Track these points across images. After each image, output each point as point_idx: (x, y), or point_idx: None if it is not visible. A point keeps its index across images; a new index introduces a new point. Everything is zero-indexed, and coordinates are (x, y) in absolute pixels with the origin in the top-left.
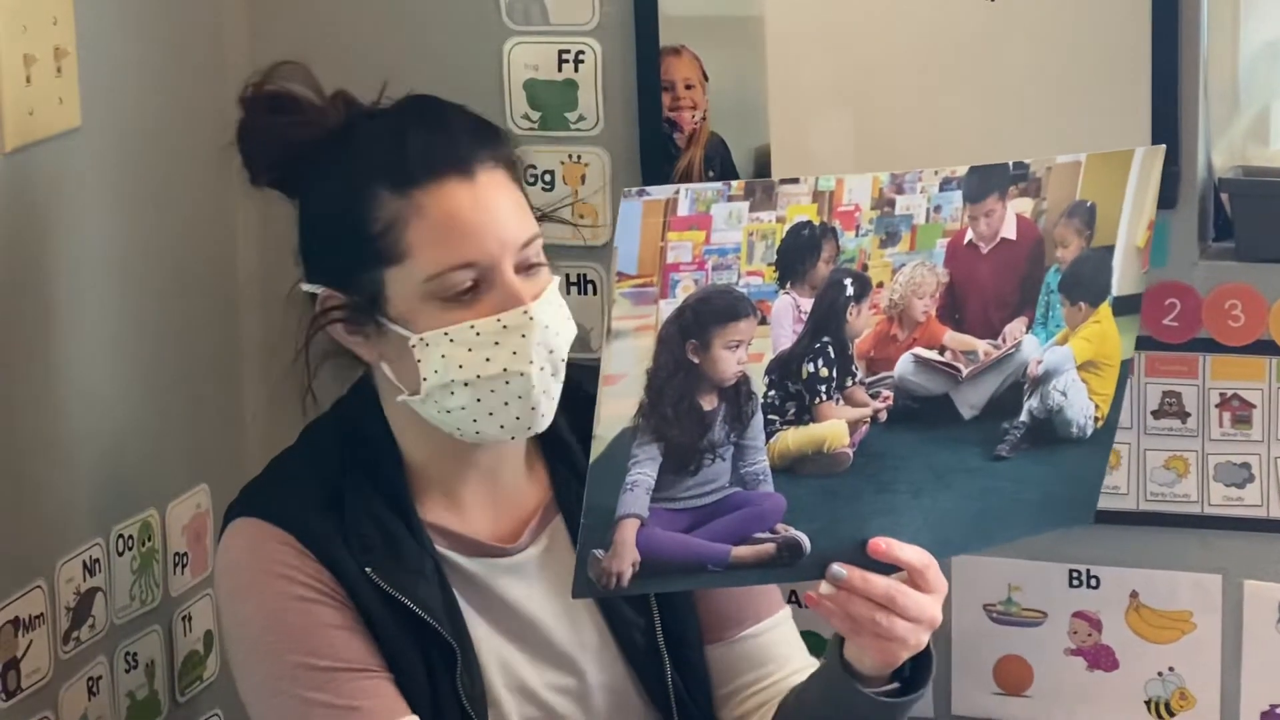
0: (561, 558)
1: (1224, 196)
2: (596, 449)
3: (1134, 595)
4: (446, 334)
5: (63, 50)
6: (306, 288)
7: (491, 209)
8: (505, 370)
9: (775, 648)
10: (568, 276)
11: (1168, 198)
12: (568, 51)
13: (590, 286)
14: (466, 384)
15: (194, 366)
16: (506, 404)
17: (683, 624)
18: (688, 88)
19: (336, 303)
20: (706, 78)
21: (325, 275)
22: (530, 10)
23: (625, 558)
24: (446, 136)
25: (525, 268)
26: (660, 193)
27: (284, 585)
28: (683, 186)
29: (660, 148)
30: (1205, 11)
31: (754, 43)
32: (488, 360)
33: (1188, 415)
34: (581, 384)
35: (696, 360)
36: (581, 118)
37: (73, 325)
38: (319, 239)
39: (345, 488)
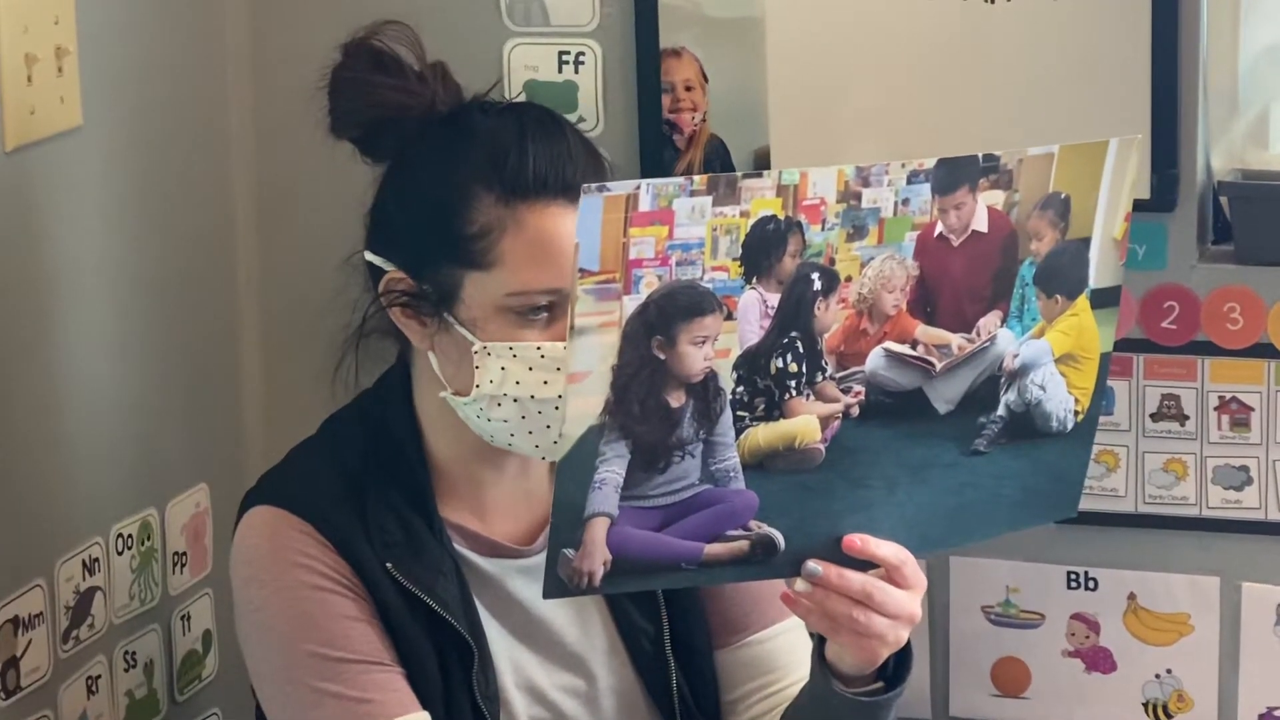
0: None
1: (1223, 199)
2: (563, 447)
3: (1132, 597)
4: (511, 349)
5: (64, 49)
6: (372, 259)
7: None
8: (560, 396)
9: (781, 654)
10: None
11: (1167, 200)
12: (568, 53)
13: None
14: (516, 400)
15: (194, 365)
16: (549, 427)
17: (692, 630)
18: (687, 89)
19: (404, 287)
20: (706, 79)
21: (399, 255)
22: (530, 11)
23: (596, 557)
24: (563, 157)
25: None
26: (621, 188)
27: (302, 574)
28: (644, 181)
29: (660, 149)
30: (1205, 14)
31: (754, 44)
32: (545, 383)
33: (1186, 418)
34: None
35: (662, 356)
36: (581, 119)
37: (73, 324)
38: (404, 219)
39: (367, 481)
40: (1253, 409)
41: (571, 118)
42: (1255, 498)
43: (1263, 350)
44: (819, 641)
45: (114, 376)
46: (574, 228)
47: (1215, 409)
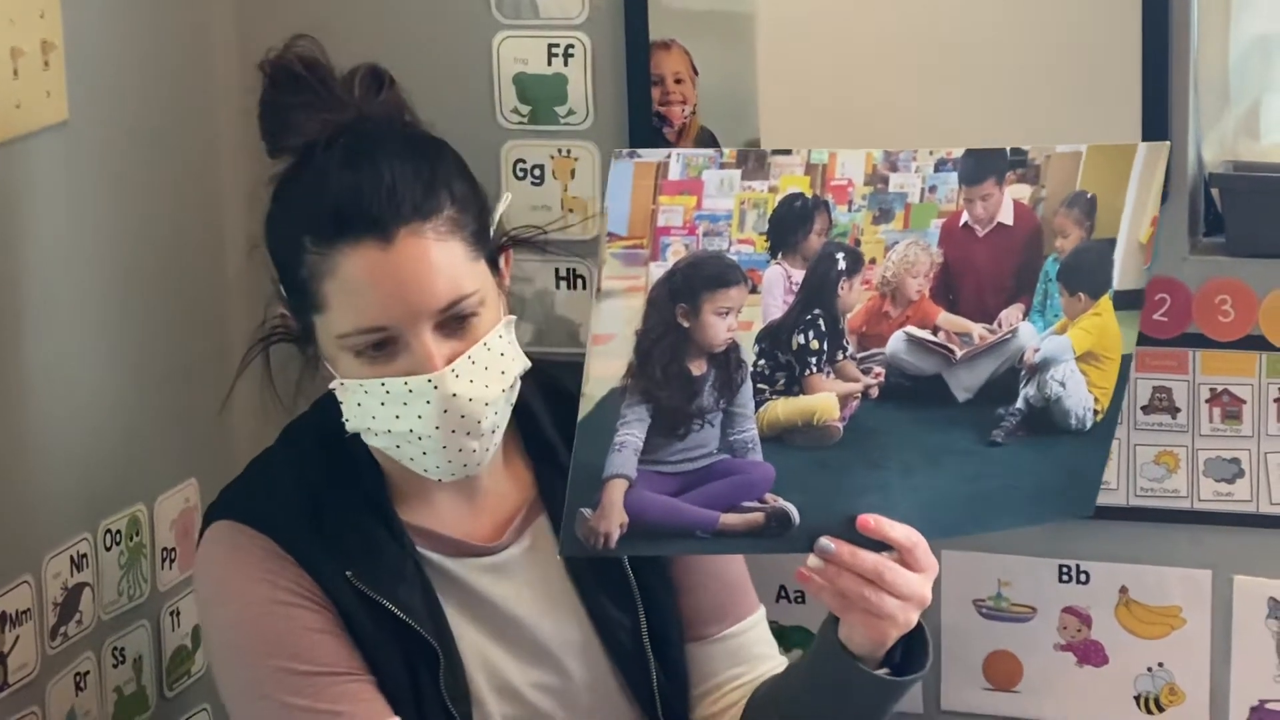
0: (545, 557)
1: (1214, 191)
2: (585, 407)
3: (1124, 590)
4: (362, 385)
5: (50, 44)
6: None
7: (404, 277)
8: (412, 430)
9: (752, 647)
10: (557, 271)
11: None
12: (557, 45)
13: (580, 281)
14: (381, 433)
15: (182, 360)
16: (425, 454)
17: (666, 623)
18: (677, 82)
19: (283, 324)
20: (696, 72)
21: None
22: (520, 4)
23: (613, 518)
24: (368, 194)
25: (454, 322)
26: (652, 155)
27: (264, 589)
28: (674, 151)
29: (650, 142)
30: (1195, 6)
31: (744, 37)
32: (397, 418)
33: (1178, 410)
34: (563, 382)
35: (686, 324)
36: (571, 112)
37: (60, 319)
38: (273, 261)
39: (325, 490)
40: (1244, 401)
41: (561, 110)
42: (1247, 490)
43: (1254, 342)
44: (831, 622)
45: (102, 371)
46: (388, 266)
47: (1207, 401)
